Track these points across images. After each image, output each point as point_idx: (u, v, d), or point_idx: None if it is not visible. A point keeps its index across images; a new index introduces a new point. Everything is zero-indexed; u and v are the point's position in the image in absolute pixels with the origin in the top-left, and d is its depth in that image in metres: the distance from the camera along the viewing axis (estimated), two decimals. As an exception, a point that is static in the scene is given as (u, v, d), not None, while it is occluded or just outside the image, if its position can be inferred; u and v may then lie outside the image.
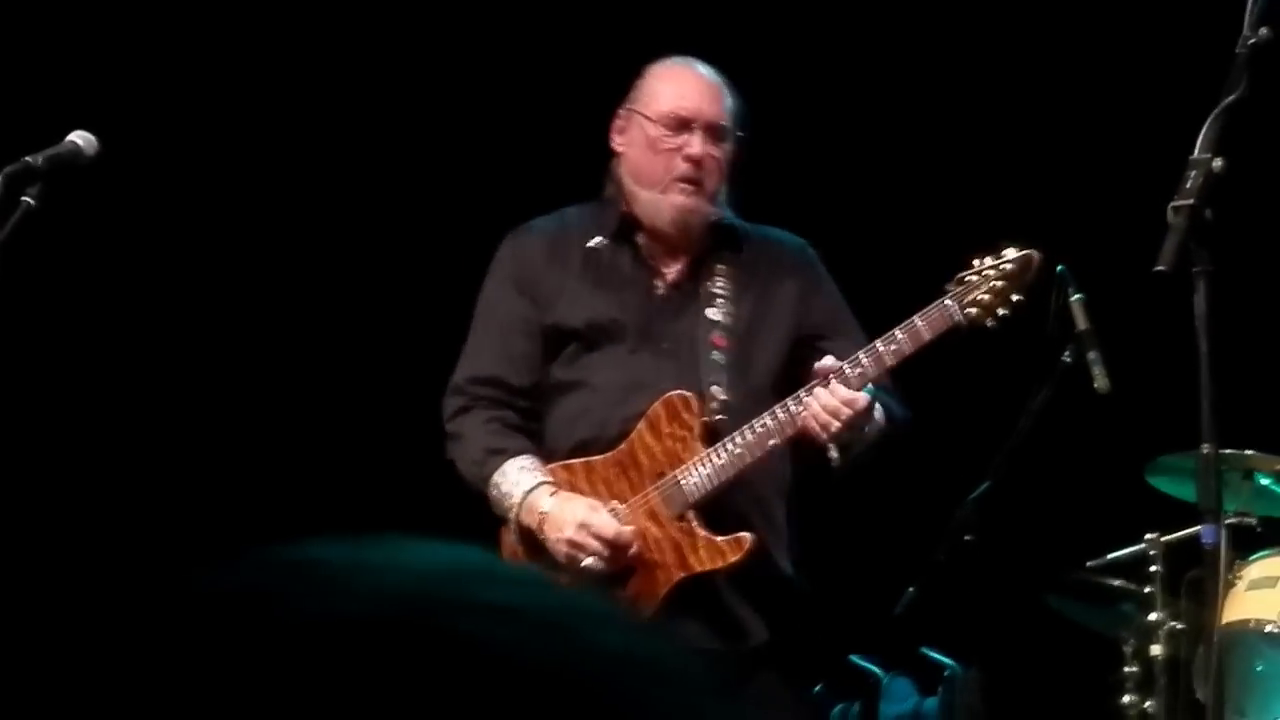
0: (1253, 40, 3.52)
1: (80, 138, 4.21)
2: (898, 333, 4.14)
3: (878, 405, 4.21)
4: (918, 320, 4.13)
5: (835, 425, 4.12)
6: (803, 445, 4.24)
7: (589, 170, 4.53)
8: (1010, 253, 4.16)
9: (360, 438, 6.39)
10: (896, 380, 4.28)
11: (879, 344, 4.15)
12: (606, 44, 5.78)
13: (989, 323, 4.13)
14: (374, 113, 6.51)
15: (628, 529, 4.24)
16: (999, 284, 4.13)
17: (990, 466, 4.83)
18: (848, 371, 4.14)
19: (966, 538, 4.85)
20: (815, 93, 6.39)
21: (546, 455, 4.36)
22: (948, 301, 4.15)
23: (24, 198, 4.09)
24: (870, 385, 4.17)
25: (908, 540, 5.19)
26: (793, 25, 6.46)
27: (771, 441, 4.20)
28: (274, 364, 6.50)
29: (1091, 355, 4.50)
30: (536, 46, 6.46)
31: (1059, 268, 4.57)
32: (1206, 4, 4.18)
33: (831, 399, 4.12)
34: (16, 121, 5.05)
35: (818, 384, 4.15)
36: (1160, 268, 3.41)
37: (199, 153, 6.41)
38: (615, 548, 4.22)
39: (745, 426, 4.21)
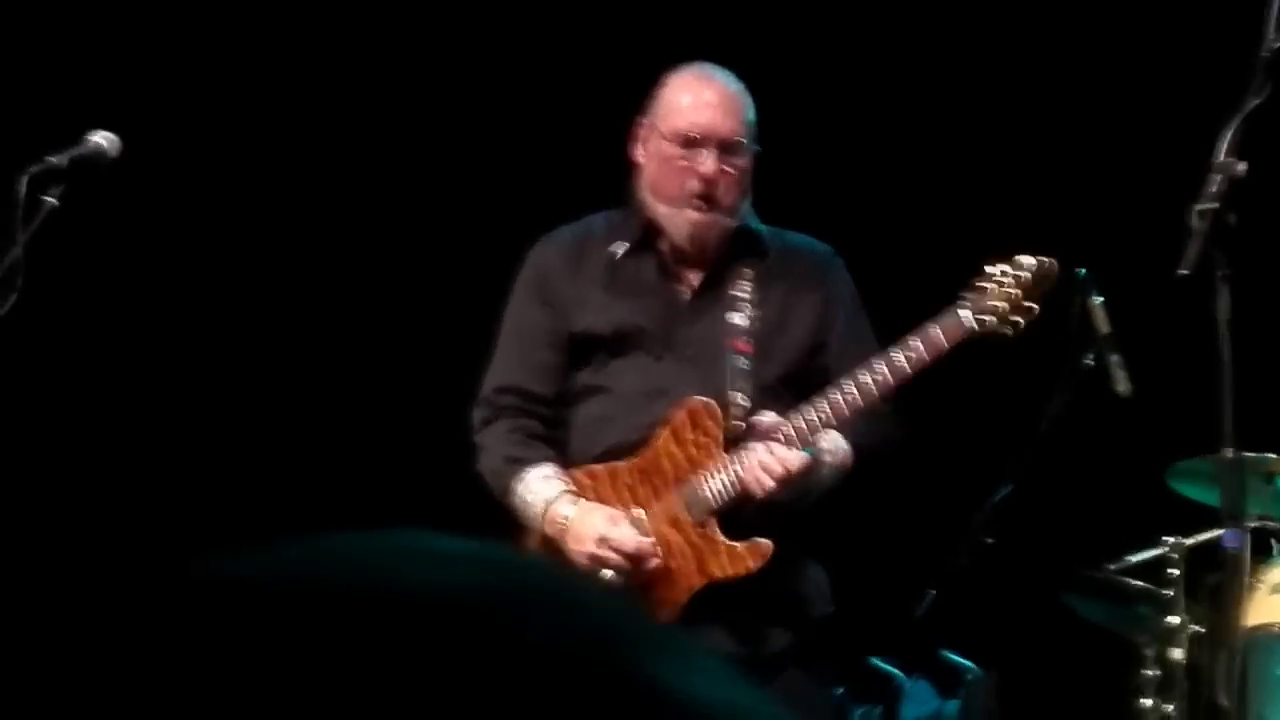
0: (1276, 44, 3.52)
1: (103, 137, 4.23)
2: (888, 357, 4.11)
3: (829, 455, 4.23)
4: (932, 328, 4.10)
5: (769, 484, 4.13)
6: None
7: (617, 176, 4.53)
8: (1027, 260, 4.11)
9: (384, 443, 6.39)
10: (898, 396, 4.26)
11: (858, 376, 4.12)
12: (636, 48, 5.78)
13: (1006, 331, 4.09)
14: (402, 116, 6.51)
15: (648, 541, 4.26)
16: (1015, 292, 4.08)
17: (1011, 469, 4.82)
18: (787, 431, 4.14)
19: (987, 540, 4.84)
20: (832, 97, 6.39)
21: (571, 460, 4.38)
22: (963, 309, 4.11)
23: (47, 197, 4.10)
24: (808, 444, 4.16)
25: (928, 543, 5.19)
26: (811, 30, 6.46)
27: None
28: (296, 364, 6.51)
29: (1113, 359, 4.50)
30: (567, 53, 6.46)
31: (1080, 271, 4.57)
32: (1228, 7, 4.17)
33: (767, 458, 4.13)
34: (39, 121, 5.06)
35: (757, 441, 4.16)
36: (1182, 271, 3.41)
37: (221, 153, 6.42)
38: (636, 561, 4.23)
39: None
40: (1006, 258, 4.13)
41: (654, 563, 4.24)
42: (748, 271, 4.38)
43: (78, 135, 4.22)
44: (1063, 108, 6.25)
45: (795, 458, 4.13)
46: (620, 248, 4.41)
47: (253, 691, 0.84)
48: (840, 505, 4.64)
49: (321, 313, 6.49)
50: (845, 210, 6.01)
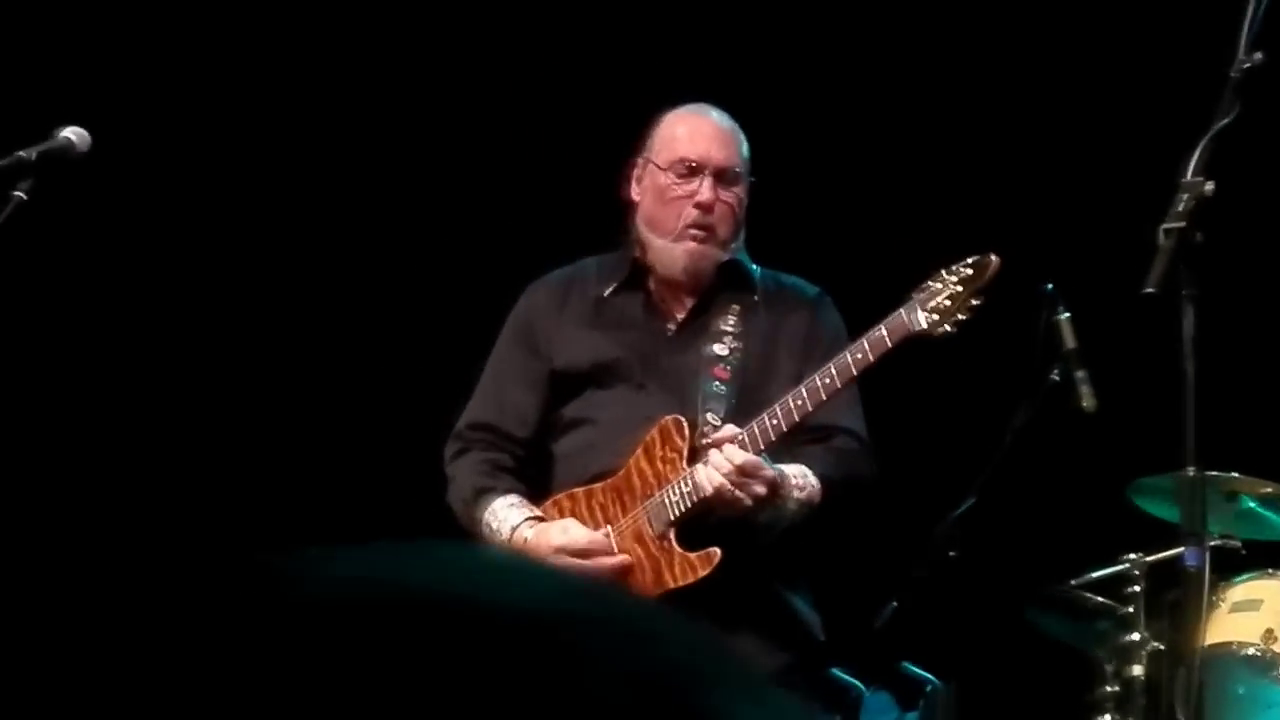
0: (1246, 64, 3.53)
1: (73, 132, 4.22)
2: (836, 360, 4.12)
3: (798, 489, 4.22)
4: (879, 329, 4.11)
5: (717, 480, 4.13)
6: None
7: (613, 220, 4.55)
8: (969, 259, 4.13)
9: (356, 445, 6.37)
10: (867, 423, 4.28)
11: (807, 382, 4.13)
12: (633, 98, 5.79)
13: (949, 327, 4.08)
14: (401, 144, 6.48)
15: (600, 535, 4.31)
16: (958, 289, 4.09)
17: (974, 483, 4.83)
18: (741, 436, 4.14)
19: (949, 553, 4.85)
20: (800, 113, 6.40)
21: (557, 491, 4.42)
22: (910, 307, 4.11)
23: (15, 192, 4.09)
24: (760, 449, 4.15)
25: (890, 555, 5.20)
26: (792, 44, 6.47)
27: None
28: (267, 364, 6.49)
29: (1079, 374, 4.51)
30: (560, 98, 6.44)
31: (1048, 286, 4.58)
32: (1200, 25, 4.19)
33: (717, 457, 4.13)
34: (7, 116, 5.05)
35: (713, 451, 4.16)
36: (1148, 289, 3.42)
37: (191, 149, 6.40)
38: (589, 555, 4.28)
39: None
40: (947, 264, 4.15)
41: (614, 559, 4.28)
42: (735, 307, 4.41)
43: (47, 130, 4.21)
44: (1032, 124, 6.26)
45: (742, 455, 4.13)
46: (608, 288, 4.47)
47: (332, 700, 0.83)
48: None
49: (286, 304, 6.47)
50: (804, 226, 6.01)
